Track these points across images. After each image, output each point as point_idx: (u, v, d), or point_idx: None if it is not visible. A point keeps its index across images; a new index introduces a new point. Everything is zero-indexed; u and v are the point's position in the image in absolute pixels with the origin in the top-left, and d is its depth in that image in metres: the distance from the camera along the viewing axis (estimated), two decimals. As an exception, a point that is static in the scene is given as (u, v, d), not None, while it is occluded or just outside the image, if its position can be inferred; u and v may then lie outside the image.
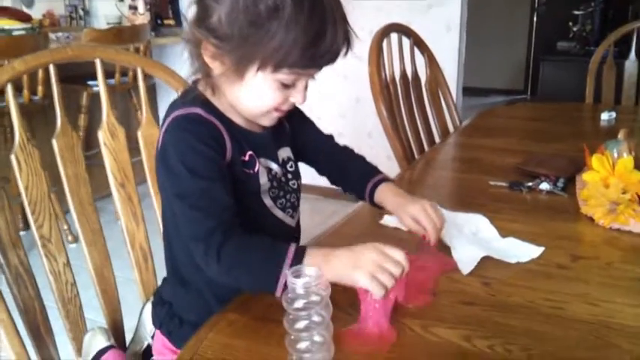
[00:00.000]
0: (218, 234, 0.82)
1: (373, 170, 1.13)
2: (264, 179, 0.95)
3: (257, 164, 0.94)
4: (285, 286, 0.74)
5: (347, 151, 1.17)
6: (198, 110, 0.89)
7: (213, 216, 0.83)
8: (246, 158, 0.93)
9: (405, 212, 1.03)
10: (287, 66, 0.83)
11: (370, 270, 0.78)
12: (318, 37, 0.81)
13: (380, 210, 1.11)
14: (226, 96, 0.91)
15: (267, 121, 0.94)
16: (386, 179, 1.12)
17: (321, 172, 1.16)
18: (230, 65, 0.85)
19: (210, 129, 0.89)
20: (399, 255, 0.81)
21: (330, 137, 1.16)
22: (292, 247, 0.81)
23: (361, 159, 1.16)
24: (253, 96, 0.88)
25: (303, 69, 0.85)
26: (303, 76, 0.87)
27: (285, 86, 0.87)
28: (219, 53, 0.85)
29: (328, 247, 0.83)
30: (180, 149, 0.86)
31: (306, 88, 0.90)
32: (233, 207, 0.86)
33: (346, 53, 0.88)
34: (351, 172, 1.14)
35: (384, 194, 1.08)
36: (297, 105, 0.93)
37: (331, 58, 0.86)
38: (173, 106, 0.92)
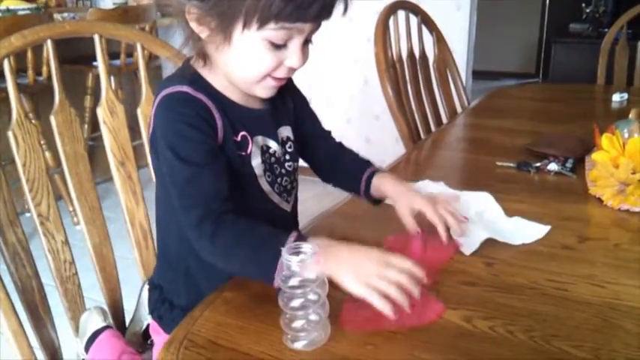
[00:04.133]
0: (208, 223, 0.80)
1: (368, 163, 1.07)
2: (256, 161, 0.91)
3: (250, 145, 0.90)
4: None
5: (342, 146, 1.11)
6: (186, 88, 0.85)
7: (201, 204, 0.81)
8: (239, 139, 0.89)
9: (408, 203, 0.96)
10: (272, 19, 0.78)
11: (368, 280, 0.73)
12: None
13: (376, 205, 1.05)
14: (219, 66, 0.88)
15: (264, 92, 0.89)
16: (382, 170, 1.06)
17: (313, 166, 1.10)
18: (215, 27, 0.82)
19: (199, 108, 0.85)
20: (407, 264, 0.75)
21: (329, 133, 1.11)
22: (292, 237, 0.76)
23: (355, 154, 1.10)
24: (244, 60, 0.84)
25: (291, 22, 0.79)
26: (294, 32, 0.81)
27: (277, 47, 0.82)
28: (203, 15, 0.82)
29: (329, 228, 0.80)
30: (167, 134, 0.84)
31: (303, 49, 0.85)
32: (223, 192, 0.83)
33: (345, 11, 0.83)
34: (344, 166, 1.08)
35: (384, 181, 1.02)
36: (294, 67, 0.85)
37: (321, 10, 0.79)
38: (164, 83, 0.88)
